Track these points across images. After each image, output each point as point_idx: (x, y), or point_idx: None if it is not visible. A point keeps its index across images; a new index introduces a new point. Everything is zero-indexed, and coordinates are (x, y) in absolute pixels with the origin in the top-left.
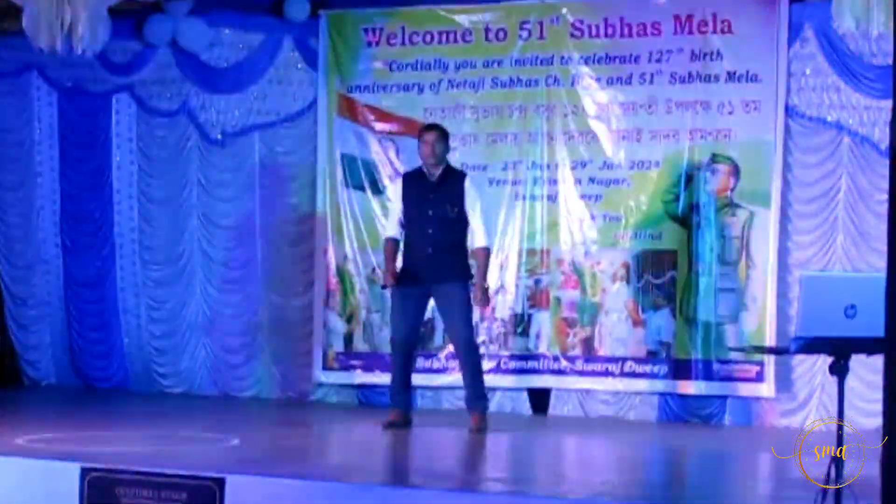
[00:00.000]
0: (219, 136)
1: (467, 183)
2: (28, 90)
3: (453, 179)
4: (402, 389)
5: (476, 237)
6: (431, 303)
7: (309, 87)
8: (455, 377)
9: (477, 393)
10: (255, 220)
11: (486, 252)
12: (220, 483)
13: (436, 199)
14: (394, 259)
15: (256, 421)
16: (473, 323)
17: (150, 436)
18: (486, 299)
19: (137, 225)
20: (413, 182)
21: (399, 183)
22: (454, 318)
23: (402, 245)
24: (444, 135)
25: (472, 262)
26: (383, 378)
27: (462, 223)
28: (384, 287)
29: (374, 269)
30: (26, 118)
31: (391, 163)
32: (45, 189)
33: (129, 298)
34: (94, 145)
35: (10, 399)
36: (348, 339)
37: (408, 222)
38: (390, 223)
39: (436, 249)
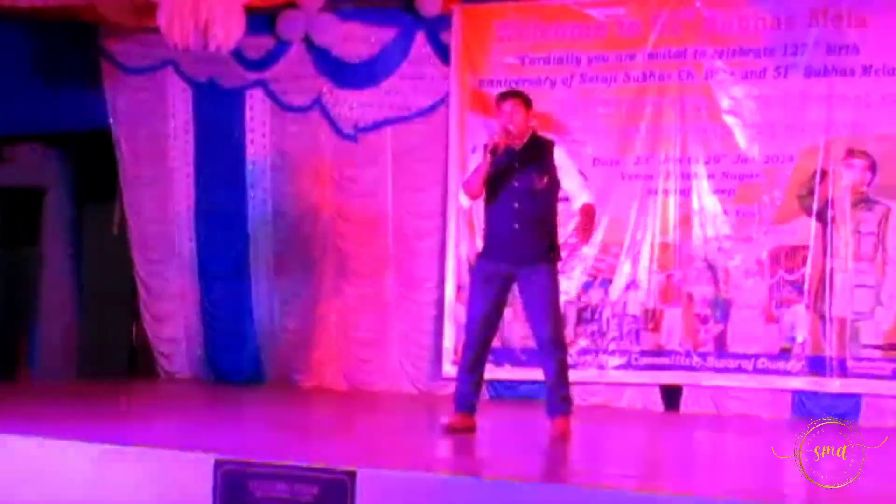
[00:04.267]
0: (351, 131)
1: (557, 151)
2: (163, 86)
3: (540, 148)
4: (470, 389)
5: (579, 198)
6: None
7: (441, 82)
8: (587, 373)
9: (561, 395)
10: (386, 215)
11: (593, 208)
12: (352, 476)
13: (521, 170)
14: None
15: (387, 414)
16: (562, 312)
17: (283, 428)
18: (585, 236)
19: (270, 219)
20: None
21: (479, 153)
22: (539, 307)
23: (484, 221)
24: (524, 101)
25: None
26: (513, 373)
27: (551, 196)
28: (494, 148)
29: None
30: (161, 113)
31: None
32: (179, 183)
33: (263, 292)
34: (228, 140)
35: (146, 391)
36: None
37: (490, 196)
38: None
39: (522, 225)
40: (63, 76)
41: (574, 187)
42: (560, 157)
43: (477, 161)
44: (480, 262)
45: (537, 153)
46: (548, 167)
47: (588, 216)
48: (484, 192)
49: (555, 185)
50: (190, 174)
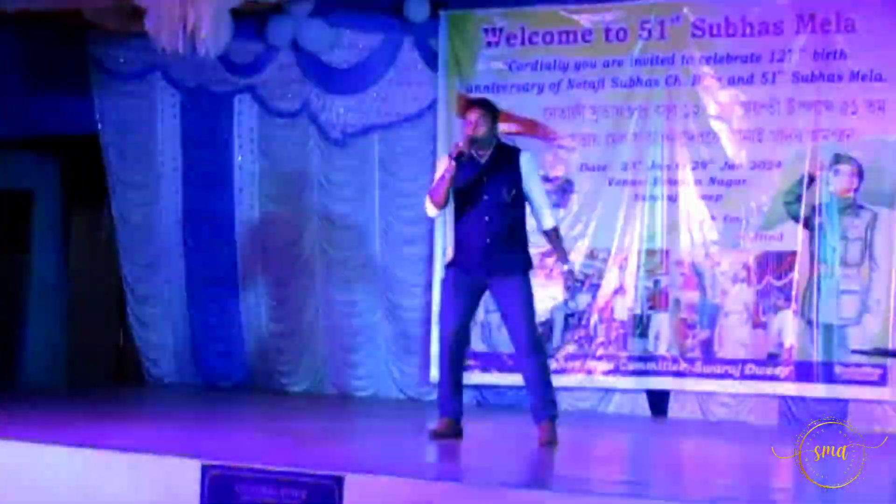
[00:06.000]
0: (339, 137)
1: (523, 159)
2: (151, 91)
3: (507, 158)
4: (452, 394)
5: (543, 219)
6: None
7: (429, 88)
8: (575, 378)
9: (545, 399)
10: (373, 220)
11: (557, 231)
12: (340, 481)
13: (490, 183)
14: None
15: (374, 419)
16: (537, 319)
17: (270, 433)
18: (573, 282)
19: (258, 224)
20: (461, 164)
21: (443, 161)
22: (516, 315)
23: (454, 235)
24: (489, 111)
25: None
26: (501, 378)
27: (520, 206)
28: (459, 155)
29: None
30: (149, 119)
31: None
32: (167, 189)
33: (250, 297)
34: (215, 145)
35: (133, 396)
36: None
37: (459, 210)
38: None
39: (494, 239)
40: (51, 81)
41: (538, 201)
42: (526, 165)
43: (441, 169)
44: (451, 271)
45: (504, 163)
46: (516, 177)
47: (559, 240)
48: (451, 204)
49: (522, 195)
50: (178, 179)
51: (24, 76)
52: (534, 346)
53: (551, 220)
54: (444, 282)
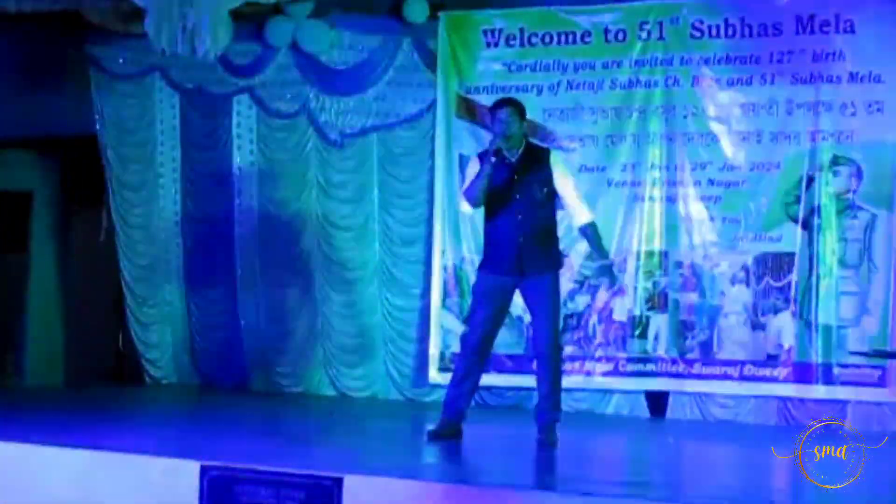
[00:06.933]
0: (338, 138)
1: (554, 159)
2: (150, 92)
3: (537, 157)
4: (461, 396)
5: (578, 215)
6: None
7: (428, 89)
8: (574, 379)
9: (552, 401)
10: (372, 221)
11: (594, 226)
12: (339, 482)
13: (521, 182)
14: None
15: (373, 420)
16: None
17: (269, 434)
18: (612, 279)
19: (257, 225)
20: (492, 164)
21: (475, 163)
22: (541, 315)
23: (485, 235)
24: (518, 110)
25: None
26: (500, 379)
27: (551, 205)
28: (496, 150)
29: None
30: (148, 119)
31: None
32: (166, 189)
33: (249, 298)
34: (214, 146)
35: (132, 397)
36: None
37: (491, 211)
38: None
39: (527, 237)
40: (51, 81)
41: (571, 198)
42: (557, 165)
43: (475, 169)
44: (482, 275)
45: (535, 162)
46: (547, 176)
47: (596, 236)
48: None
49: (554, 192)
50: (177, 180)
51: (23, 76)
52: (552, 348)
53: (588, 215)
54: (475, 286)
